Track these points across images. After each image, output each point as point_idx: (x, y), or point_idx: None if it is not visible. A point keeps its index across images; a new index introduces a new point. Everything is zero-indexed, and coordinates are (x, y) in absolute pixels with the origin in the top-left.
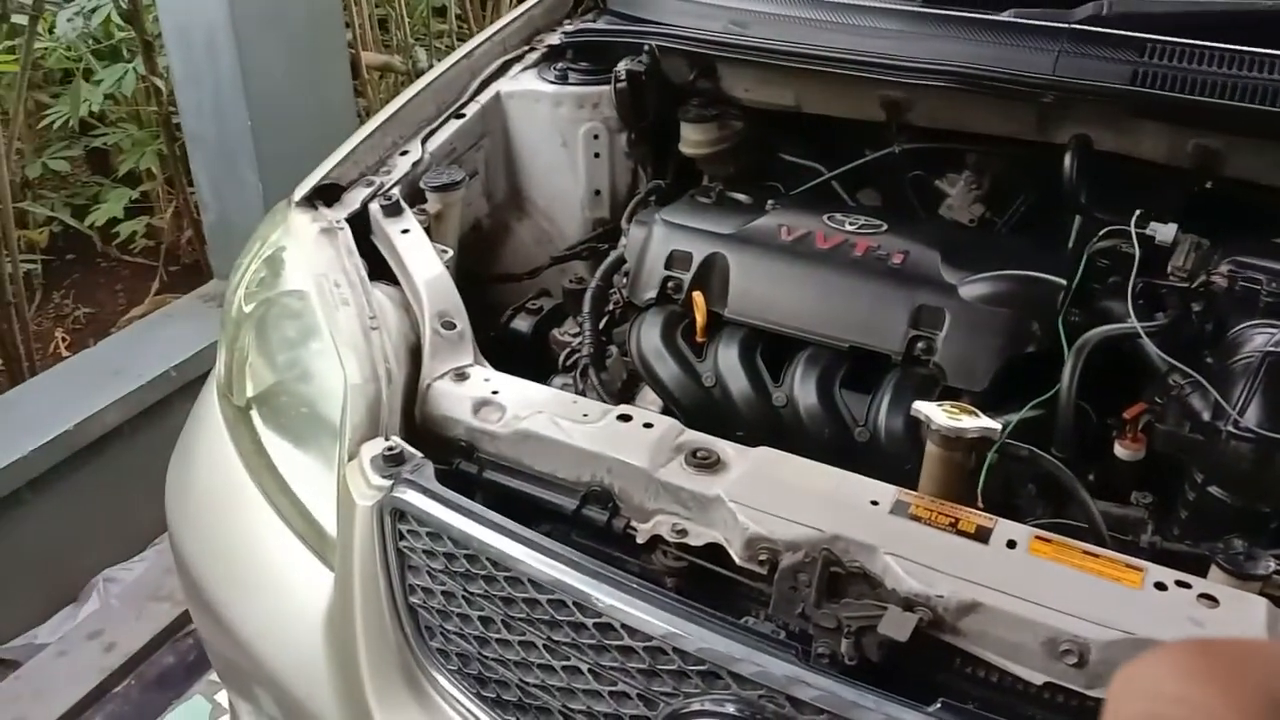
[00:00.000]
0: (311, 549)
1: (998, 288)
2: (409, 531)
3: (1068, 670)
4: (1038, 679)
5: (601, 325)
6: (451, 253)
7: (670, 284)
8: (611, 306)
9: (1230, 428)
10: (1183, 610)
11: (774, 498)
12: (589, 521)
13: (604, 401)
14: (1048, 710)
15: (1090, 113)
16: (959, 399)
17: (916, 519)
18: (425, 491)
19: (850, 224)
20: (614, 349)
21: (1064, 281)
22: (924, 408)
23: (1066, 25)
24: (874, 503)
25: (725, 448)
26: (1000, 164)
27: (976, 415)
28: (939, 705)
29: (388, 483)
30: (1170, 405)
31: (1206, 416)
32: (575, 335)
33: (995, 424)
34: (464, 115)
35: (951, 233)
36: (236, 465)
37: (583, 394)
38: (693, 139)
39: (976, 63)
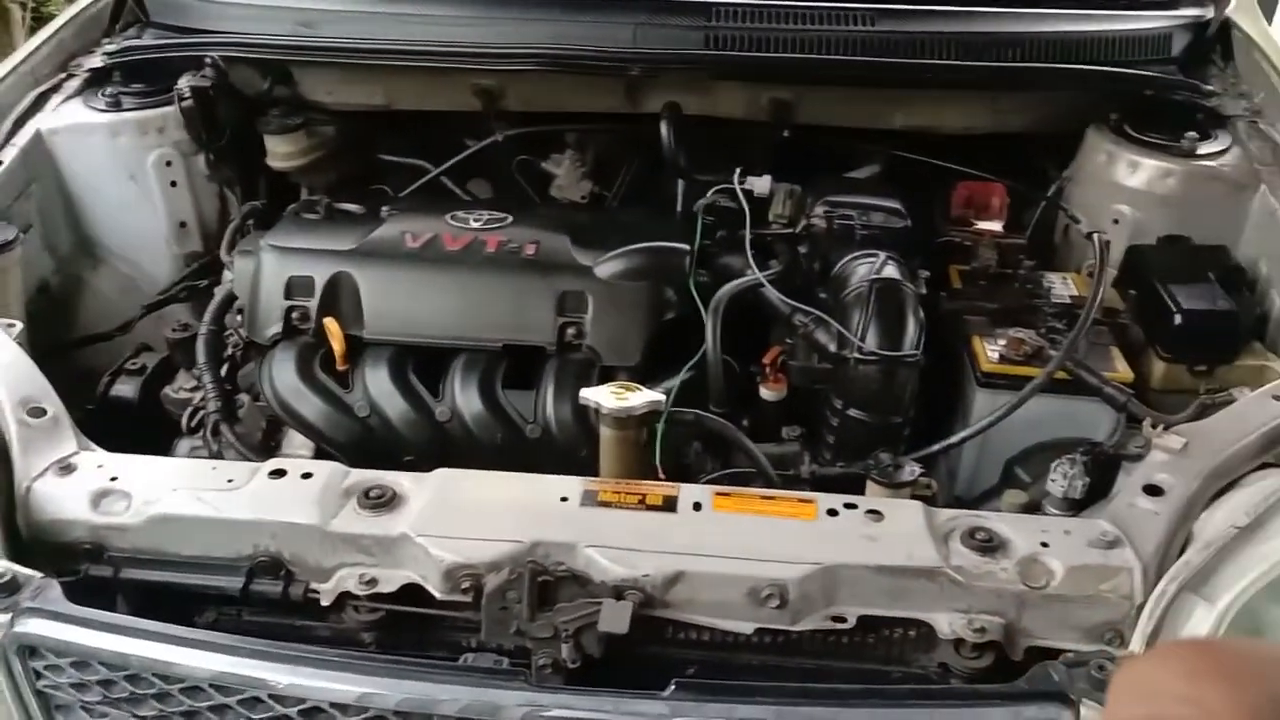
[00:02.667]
0: None
1: (630, 263)
2: (47, 668)
3: (774, 613)
4: (748, 628)
5: (223, 373)
6: (20, 325)
7: (295, 314)
8: (231, 350)
9: (855, 354)
10: (856, 529)
11: (463, 520)
12: (262, 597)
13: (247, 459)
14: (763, 653)
15: (675, 80)
16: (616, 377)
17: (606, 504)
18: (56, 616)
19: (475, 220)
20: (244, 397)
21: (687, 247)
22: (590, 394)
23: None
24: (564, 499)
25: (399, 480)
26: (601, 139)
27: (640, 390)
28: (673, 689)
29: (6, 617)
30: (799, 343)
31: (833, 348)
32: (194, 389)
33: (659, 395)
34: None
35: (575, 215)
36: None
37: (220, 455)
38: (280, 151)
39: (561, 42)
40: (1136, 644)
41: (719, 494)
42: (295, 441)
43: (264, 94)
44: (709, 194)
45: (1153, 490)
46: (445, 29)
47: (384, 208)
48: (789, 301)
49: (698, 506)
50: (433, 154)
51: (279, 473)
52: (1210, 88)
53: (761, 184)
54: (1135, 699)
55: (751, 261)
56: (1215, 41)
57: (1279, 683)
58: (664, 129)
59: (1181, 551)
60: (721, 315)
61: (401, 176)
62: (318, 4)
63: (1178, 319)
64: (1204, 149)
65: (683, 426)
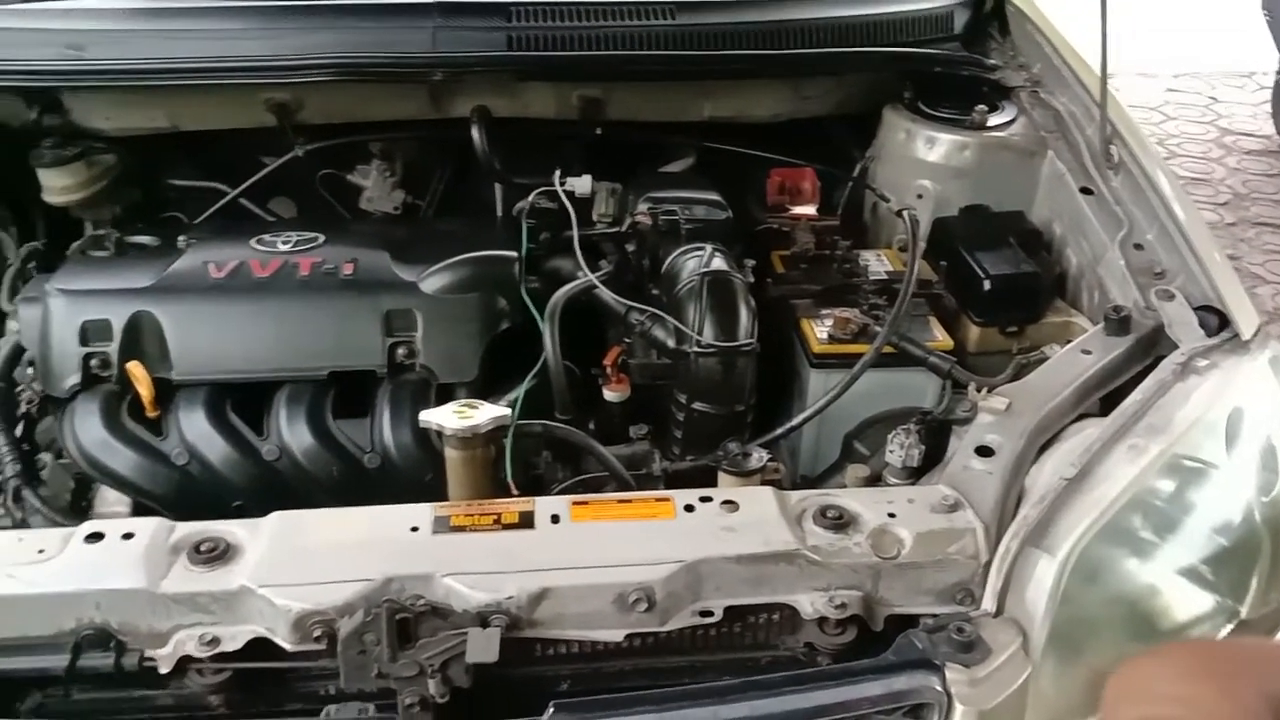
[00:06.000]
0: None
1: (457, 275)
2: None
3: (643, 617)
4: (619, 635)
5: (19, 432)
6: None
7: (94, 361)
8: (25, 407)
9: (695, 348)
10: (714, 522)
11: (308, 564)
12: (92, 672)
13: (57, 524)
14: (634, 657)
15: (481, 83)
16: (455, 395)
17: (460, 529)
18: None
19: (284, 243)
20: (46, 456)
21: (514, 254)
22: (431, 416)
23: (433, 0)
24: (414, 529)
25: (231, 528)
26: (410, 147)
27: (482, 406)
28: (551, 711)
29: None
30: (637, 341)
31: (672, 343)
32: None
33: (503, 409)
34: None
35: (391, 229)
36: None
37: (25, 524)
38: (58, 185)
39: (356, 50)
40: (988, 602)
41: (576, 503)
42: (109, 499)
43: (33, 124)
44: (530, 197)
45: (984, 451)
46: (229, 43)
47: (181, 237)
48: (624, 301)
49: (556, 519)
50: (228, 175)
51: (96, 536)
52: (992, 61)
53: (582, 184)
54: (1130, 701)
55: (583, 263)
56: (992, 17)
57: (1271, 680)
58: (476, 133)
59: (1017, 508)
60: (558, 320)
61: (196, 202)
62: (86, 24)
63: (986, 284)
64: (993, 120)
65: (531, 438)
